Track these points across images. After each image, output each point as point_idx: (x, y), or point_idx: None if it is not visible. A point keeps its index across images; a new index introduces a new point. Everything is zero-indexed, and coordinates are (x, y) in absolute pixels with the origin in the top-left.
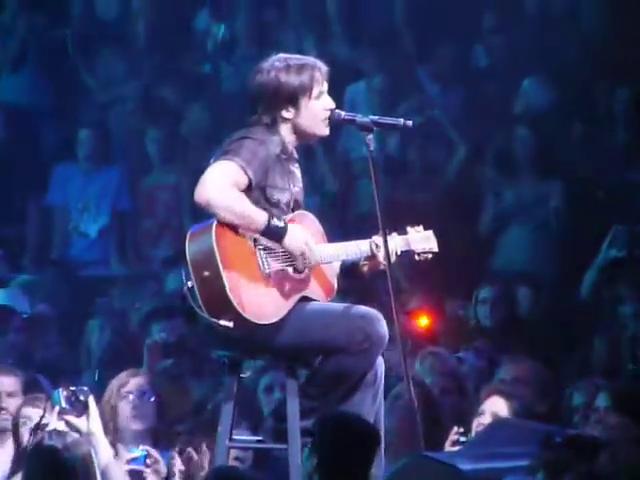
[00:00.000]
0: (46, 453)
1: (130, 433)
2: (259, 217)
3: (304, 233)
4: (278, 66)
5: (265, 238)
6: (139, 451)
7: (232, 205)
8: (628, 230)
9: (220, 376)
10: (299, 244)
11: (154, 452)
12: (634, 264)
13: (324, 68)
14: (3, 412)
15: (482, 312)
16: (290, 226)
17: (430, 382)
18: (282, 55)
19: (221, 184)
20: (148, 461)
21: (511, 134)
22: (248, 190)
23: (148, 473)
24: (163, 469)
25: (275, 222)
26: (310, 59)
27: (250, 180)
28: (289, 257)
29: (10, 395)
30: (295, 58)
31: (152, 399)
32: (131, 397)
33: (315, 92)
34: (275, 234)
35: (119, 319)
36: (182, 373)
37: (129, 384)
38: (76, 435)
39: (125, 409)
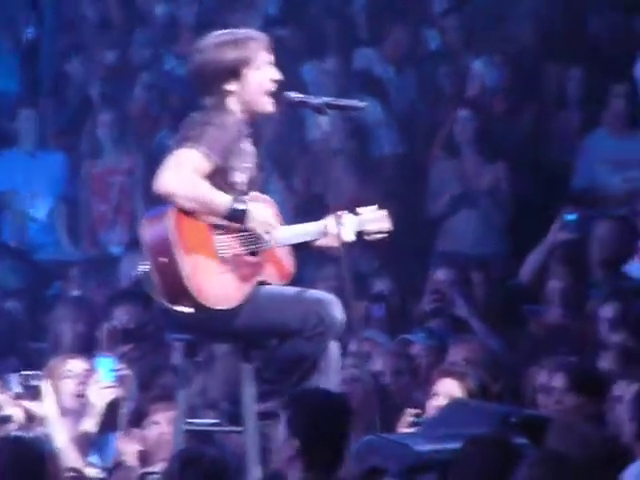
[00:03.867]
0: (21, 445)
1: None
2: (221, 202)
3: (266, 211)
4: (214, 42)
5: (226, 221)
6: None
7: (195, 194)
8: (578, 215)
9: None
10: (263, 224)
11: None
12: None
13: (262, 37)
14: None
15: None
16: (251, 205)
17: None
18: (217, 32)
19: (182, 173)
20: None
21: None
22: (209, 176)
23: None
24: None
25: (237, 205)
26: (246, 31)
27: (213, 166)
28: (245, 241)
29: None
30: (229, 32)
31: None
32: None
33: (256, 62)
34: (238, 217)
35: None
36: (140, 358)
37: (67, 364)
38: (38, 429)
39: (66, 388)
